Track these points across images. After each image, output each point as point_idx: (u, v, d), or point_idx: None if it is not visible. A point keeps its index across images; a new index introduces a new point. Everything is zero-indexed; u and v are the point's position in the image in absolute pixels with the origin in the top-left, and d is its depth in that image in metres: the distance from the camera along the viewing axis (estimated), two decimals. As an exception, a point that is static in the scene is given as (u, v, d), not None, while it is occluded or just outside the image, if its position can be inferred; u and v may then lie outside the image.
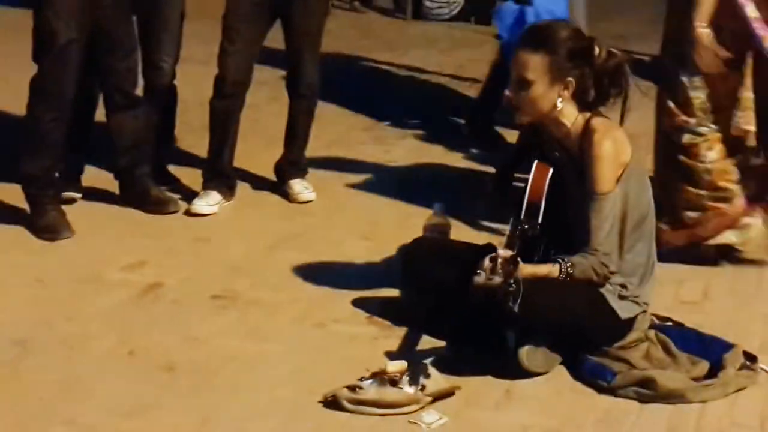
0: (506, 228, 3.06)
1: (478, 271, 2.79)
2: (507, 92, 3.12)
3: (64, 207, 4.27)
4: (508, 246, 2.93)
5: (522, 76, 3.06)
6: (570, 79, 3.06)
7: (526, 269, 2.91)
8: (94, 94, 4.45)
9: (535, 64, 3.03)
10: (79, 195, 4.52)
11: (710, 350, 3.12)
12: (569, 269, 2.99)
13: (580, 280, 3.01)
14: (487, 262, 2.79)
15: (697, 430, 2.84)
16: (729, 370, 3.02)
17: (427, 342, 3.28)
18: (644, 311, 3.18)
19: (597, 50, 3.09)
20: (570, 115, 3.10)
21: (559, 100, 3.06)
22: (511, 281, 2.79)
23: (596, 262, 3.02)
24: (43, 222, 4.16)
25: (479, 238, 3.68)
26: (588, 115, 3.10)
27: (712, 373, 3.04)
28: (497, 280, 2.78)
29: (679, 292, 3.64)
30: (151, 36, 4.42)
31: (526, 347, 3.04)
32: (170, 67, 4.52)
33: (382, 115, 5.91)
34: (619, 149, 3.05)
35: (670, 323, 3.32)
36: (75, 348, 3.29)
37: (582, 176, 3.07)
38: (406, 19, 8.59)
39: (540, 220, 3.10)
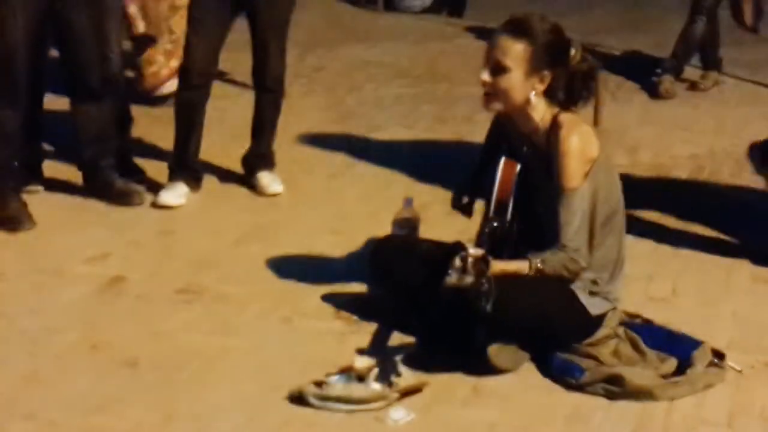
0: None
1: (450, 272, 2.77)
2: (483, 75, 3.07)
3: (25, 198, 4.21)
4: (477, 244, 2.91)
5: (500, 61, 3.03)
6: (546, 72, 3.04)
7: (497, 266, 2.90)
8: (41, 83, 4.40)
9: (516, 52, 3.01)
10: (41, 187, 4.48)
11: (679, 347, 3.12)
12: (539, 265, 2.98)
13: (551, 276, 3.00)
14: (458, 262, 2.77)
15: (665, 427, 2.84)
16: (697, 368, 3.02)
17: (395, 338, 3.26)
18: (614, 308, 3.18)
19: (572, 51, 3.07)
20: (539, 111, 3.08)
21: (533, 93, 3.04)
22: (484, 281, 2.77)
23: (566, 258, 3.00)
24: (4, 213, 4.11)
25: (449, 233, 3.66)
26: (556, 110, 3.08)
27: (680, 371, 3.04)
28: (469, 279, 2.76)
29: (648, 289, 3.64)
30: (99, 28, 4.34)
31: (495, 345, 3.02)
32: (117, 57, 4.50)
33: (352, 107, 5.90)
34: (587, 144, 3.04)
35: (639, 320, 3.32)
36: (37, 342, 3.24)
37: (550, 172, 3.05)
38: (378, 11, 8.58)
39: (509, 217, 3.08)
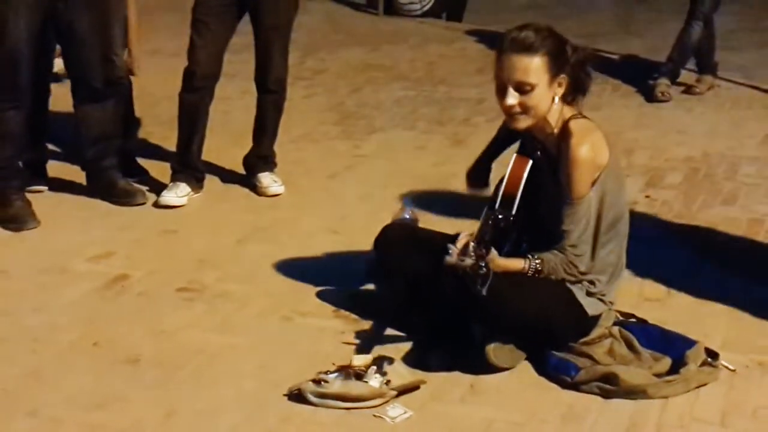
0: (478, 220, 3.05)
1: (450, 251, 2.80)
2: (510, 101, 3.03)
3: (29, 197, 4.25)
4: (480, 234, 2.93)
5: (524, 81, 3.01)
6: (563, 76, 3.06)
7: (500, 262, 2.93)
8: (46, 84, 4.44)
9: (535, 67, 3.00)
10: (45, 187, 4.51)
11: (673, 347, 3.14)
12: (537, 266, 3.02)
13: (549, 276, 3.04)
14: (459, 243, 2.80)
15: (658, 426, 2.86)
16: (691, 367, 3.04)
17: (394, 336, 3.28)
18: (609, 309, 3.21)
19: (567, 47, 3.10)
20: (554, 114, 3.10)
21: (556, 98, 3.07)
22: (482, 264, 2.80)
23: (566, 261, 3.04)
24: (9, 212, 4.14)
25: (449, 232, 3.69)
26: (568, 116, 3.10)
27: (674, 370, 3.05)
28: (468, 261, 2.78)
29: (642, 289, 3.66)
30: (103, 31, 4.37)
31: (493, 344, 3.05)
32: (121, 60, 4.54)
33: (352, 109, 5.94)
34: (597, 153, 3.05)
35: (633, 320, 3.34)
36: (40, 340, 3.27)
37: (556, 176, 3.07)
38: (378, 15, 8.61)
39: (514, 211, 3.10)
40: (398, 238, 3.38)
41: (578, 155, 3.02)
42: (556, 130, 3.09)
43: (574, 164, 3.02)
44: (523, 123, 3.08)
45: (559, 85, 3.07)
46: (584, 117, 3.13)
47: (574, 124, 3.07)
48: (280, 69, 4.52)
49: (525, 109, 3.05)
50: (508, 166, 3.16)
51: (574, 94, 3.13)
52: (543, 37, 3.04)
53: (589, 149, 3.03)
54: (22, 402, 2.92)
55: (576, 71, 3.11)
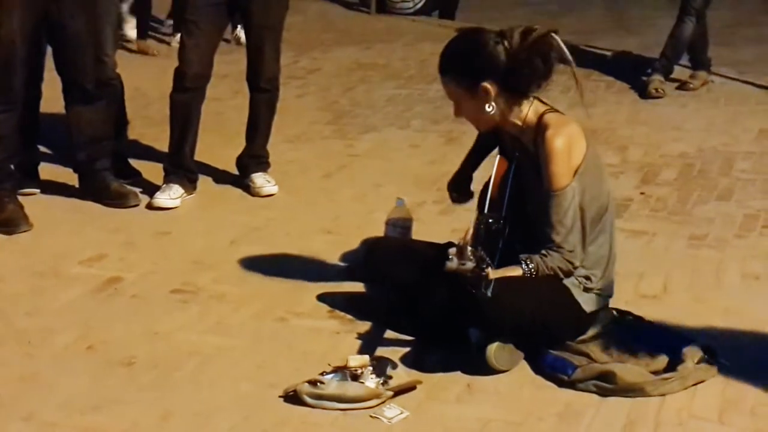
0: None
1: (450, 257, 2.80)
2: (453, 111, 3.20)
3: (22, 200, 4.23)
4: (473, 239, 2.93)
5: (449, 97, 3.18)
6: (484, 84, 3.06)
7: (496, 274, 2.92)
8: (38, 85, 4.43)
9: (450, 87, 3.15)
10: (38, 190, 4.50)
11: (670, 344, 3.13)
12: (532, 271, 3.03)
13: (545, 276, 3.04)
14: (453, 249, 2.80)
15: (656, 423, 2.86)
16: (688, 364, 3.04)
17: (390, 336, 3.28)
18: (606, 305, 3.20)
19: (497, 47, 3.03)
20: (517, 112, 3.10)
21: (487, 105, 3.08)
22: (483, 266, 2.80)
23: (559, 259, 3.04)
24: (1, 216, 4.13)
25: (442, 232, 3.69)
26: (541, 111, 3.10)
27: (671, 367, 3.05)
28: (469, 265, 2.79)
29: (638, 286, 3.67)
30: (95, 32, 4.34)
31: (495, 345, 3.03)
32: (112, 60, 4.52)
33: (345, 108, 5.93)
34: (573, 144, 3.06)
35: (630, 317, 3.34)
36: (34, 343, 3.26)
37: (539, 172, 3.08)
38: (371, 13, 8.61)
39: (503, 213, 3.11)
40: (387, 252, 3.39)
41: (554, 146, 3.03)
42: (526, 126, 3.11)
43: (551, 155, 3.03)
44: (480, 128, 3.26)
45: (486, 92, 3.07)
46: (558, 111, 3.13)
47: (548, 118, 3.09)
48: (273, 68, 4.51)
49: (467, 119, 3.18)
50: (493, 169, 3.18)
51: (526, 87, 3.07)
52: (446, 56, 3.16)
53: (564, 139, 3.04)
54: (16, 406, 2.90)
55: (515, 65, 3.02)
